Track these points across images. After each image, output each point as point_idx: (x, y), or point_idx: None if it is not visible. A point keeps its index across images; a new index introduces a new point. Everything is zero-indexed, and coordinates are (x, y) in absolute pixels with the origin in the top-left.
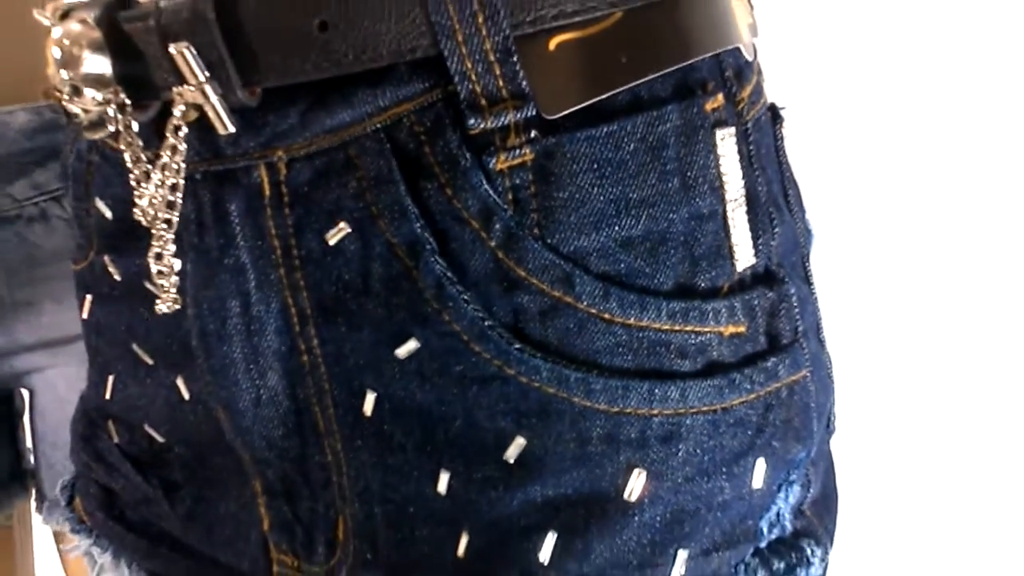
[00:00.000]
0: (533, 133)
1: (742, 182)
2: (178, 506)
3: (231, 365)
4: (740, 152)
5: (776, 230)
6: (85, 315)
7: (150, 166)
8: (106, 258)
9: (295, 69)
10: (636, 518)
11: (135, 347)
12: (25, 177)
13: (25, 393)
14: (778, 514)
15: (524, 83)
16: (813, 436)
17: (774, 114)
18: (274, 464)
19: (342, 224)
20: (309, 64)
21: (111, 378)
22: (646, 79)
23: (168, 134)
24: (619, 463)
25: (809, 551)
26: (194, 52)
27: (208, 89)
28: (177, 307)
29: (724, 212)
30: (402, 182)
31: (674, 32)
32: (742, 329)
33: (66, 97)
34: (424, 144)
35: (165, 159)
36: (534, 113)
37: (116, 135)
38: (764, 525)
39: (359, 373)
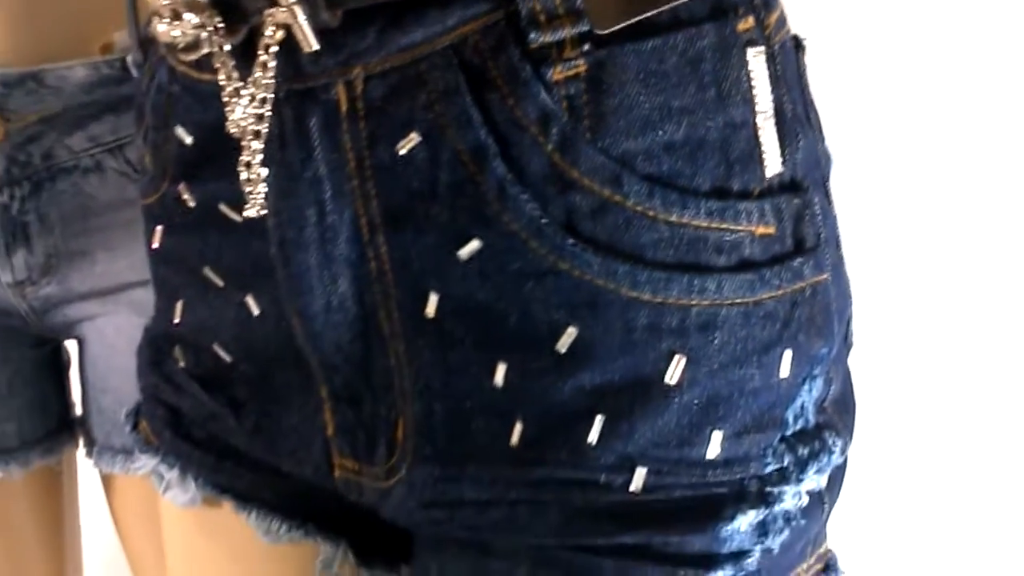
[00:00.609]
0: (586, 46)
1: (771, 97)
2: (244, 421)
3: (307, 272)
4: (768, 70)
5: (800, 144)
6: (156, 245)
7: (241, 83)
8: (181, 186)
9: None
10: (676, 401)
11: (207, 271)
12: (81, 130)
13: (72, 344)
14: (802, 406)
15: (579, 1)
16: (834, 335)
17: (797, 43)
18: (341, 369)
19: (413, 134)
20: None
21: (179, 304)
22: (686, 1)
23: (259, 51)
24: (661, 350)
25: (831, 441)
26: None
27: (297, 10)
28: (264, 212)
29: (754, 122)
30: (468, 94)
31: None
32: (771, 230)
33: (166, 21)
34: (487, 59)
35: (257, 74)
36: (587, 28)
37: (210, 56)
38: (790, 415)
39: (423, 276)
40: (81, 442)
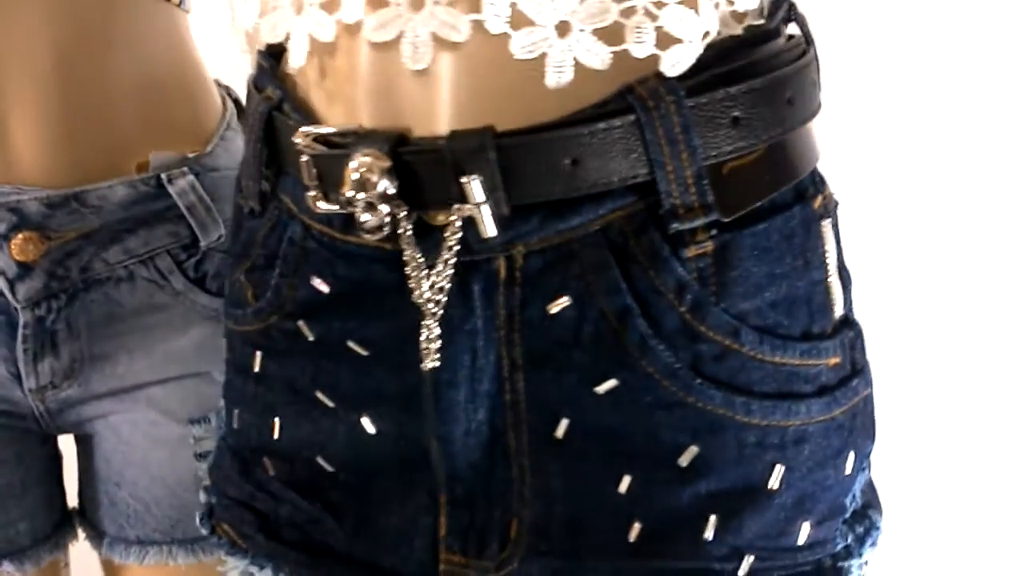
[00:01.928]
0: (713, 231)
1: (836, 256)
2: (344, 523)
3: (455, 406)
4: (833, 235)
5: (850, 286)
6: (257, 369)
7: (422, 257)
8: (300, 323)
9: (546, 192)
10: (776, 501)
11: (318, 394)
12: (118, 243)
13: (66, 440)
14: (855, 493)
15: (710, 198)
16: (875, 434)
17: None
18: (465, 480)
19: (564, 298)
20: (558, 188)
21: (277, 420)
22: (780, 191)
23: (447, 235)
24: (765, 461)
25: (875, 517)
26: (480, 181)
27: (485, 208)
28: (437, 364)
29: (827, 279)
30: (616, 267)
31: (794, 156)
32: (839, 360)
33: (360, 209)
34: (629, 239)
35: (444, 255)
36: (716, 218)
37: (395, 238)
38: (848, 501)
39: (557, 406)
40: (81, 534)
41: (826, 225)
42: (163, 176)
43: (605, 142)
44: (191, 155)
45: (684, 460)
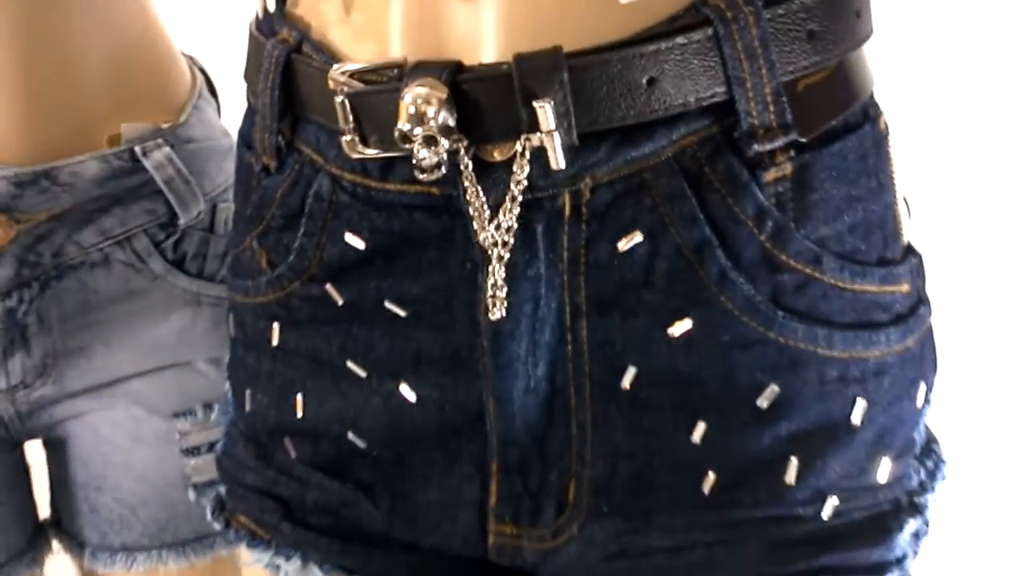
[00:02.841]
0: (792, 153)
1: (899, 179)
2: (379, 503)
3: (515, 360)
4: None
5: (910, 212)
6: (275, 343)
7: (484, 198)
8: (328, 286)
9: (620, 116)
10: (858, 437)
11: (349, 363)
12: (92, 224)
13: (34, 445)
14: (922, 427)
15: (789, 116)
16: (937, 365)
17: None
18: (520, 442)
19: (636, 233)
20: (633, 112)
21: (299, 396)
22: (851, 109)
23: (516, 169)
24: (847, 396)
25: (938, 451)
26: (551, 106)
27: (556, 136)
28: (504, 314)
29: (894, 201)
30: (692, 196)
31: (860, 74)
32: (908, 287)
33: (419, 146)
34: (704, 165)
35: (514, 191)
36: (794, 137)
37: (444, 181)
38: (917, 436)
39: (623, 354)
40: (56, 546)
41: (889, 145)
42: (137, 149)
43: (682, 59)
44: (165, 126)
45: (764, 401)
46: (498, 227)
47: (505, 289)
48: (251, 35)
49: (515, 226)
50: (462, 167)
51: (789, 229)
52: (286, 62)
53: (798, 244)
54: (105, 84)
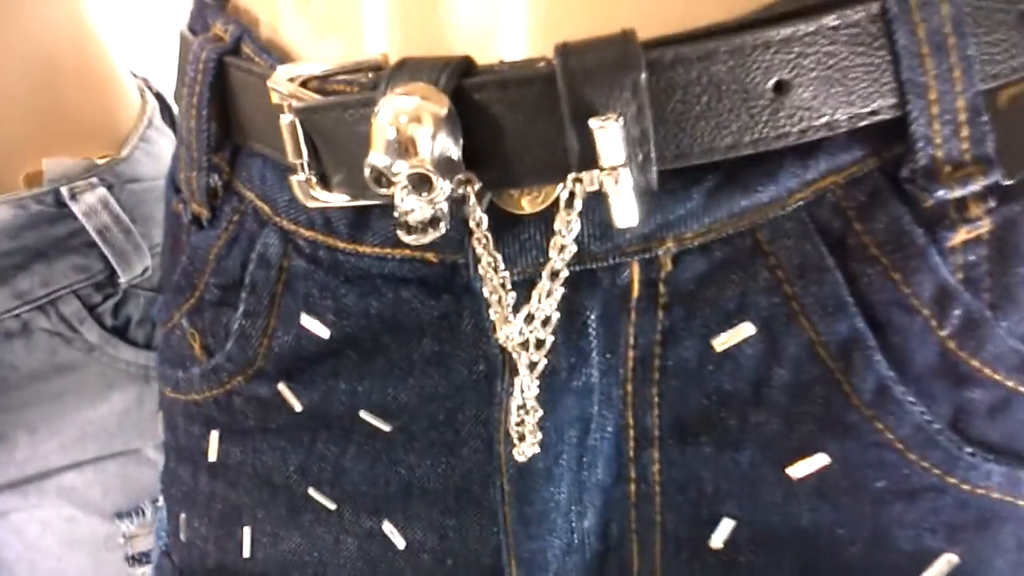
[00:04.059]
0: (992, 203)
1: None
2: None
3: (552, 510)
4: None
5: None
6: (213, 457)
7: (506, 274)
8: (281, 385)
9: (727, 143)
10: None
11: (311, 491)
12: (5, 285)
13: None
14: None
15: (989, 145)
16: None
17: None
18: None
19: (744, 325)
20: (749, 136)
21: (246, 531)
22: None
23: (558, 228)
24: None
25: None
26: (619, 126)
27: (624, 173)
28: (538, 451)
29: None
30: (836, 268)
31: None
32: None
33: (403, 190)
34: (853, 222)
35: (553, 260)
36: (996, 179)
37: (464, 236)
38: None
39: (715, 499)
40: None
41: None
42: (64, 190)
43: (831, 51)
44: (100, 161)
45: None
46: (529, 317)
47: (539, 412)
48: (181, 36)
49: (555, 315)
50: (472, 224)
51: (986, 320)
52: (217, 68)
53: (998, 344)
54: (23, 105)
